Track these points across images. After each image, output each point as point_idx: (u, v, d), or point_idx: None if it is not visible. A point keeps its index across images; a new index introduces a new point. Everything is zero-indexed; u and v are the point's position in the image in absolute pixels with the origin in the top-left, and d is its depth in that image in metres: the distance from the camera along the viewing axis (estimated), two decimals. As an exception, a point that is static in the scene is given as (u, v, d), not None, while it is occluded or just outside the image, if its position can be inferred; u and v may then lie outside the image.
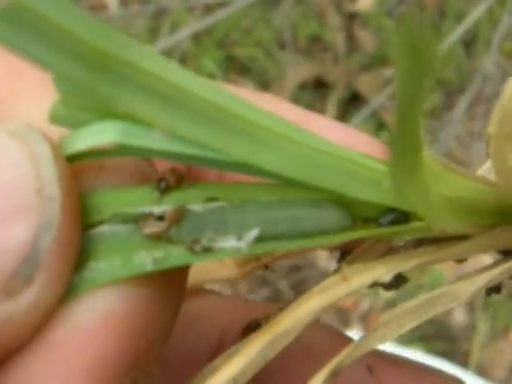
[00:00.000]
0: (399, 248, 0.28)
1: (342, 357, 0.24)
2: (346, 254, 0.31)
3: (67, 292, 0.22)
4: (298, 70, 1.73)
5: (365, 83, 1.77)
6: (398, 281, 0.28)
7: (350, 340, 0.34)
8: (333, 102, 1.71)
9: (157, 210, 0.23)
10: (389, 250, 0.29)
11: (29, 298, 0.21)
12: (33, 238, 0.21)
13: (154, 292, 0.23)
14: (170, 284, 0.24)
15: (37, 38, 0.20)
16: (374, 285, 0.26)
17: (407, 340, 1.26)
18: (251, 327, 0.31)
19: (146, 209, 0.23)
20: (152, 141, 0.23)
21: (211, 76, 1.60)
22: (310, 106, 1.72)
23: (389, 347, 1.05)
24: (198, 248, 0.23)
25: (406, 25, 0.16)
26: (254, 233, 0.23)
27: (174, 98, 0.21)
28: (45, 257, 0.21)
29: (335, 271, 0.26)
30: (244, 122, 0.22)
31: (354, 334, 1.18)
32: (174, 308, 0.24)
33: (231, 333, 0.34)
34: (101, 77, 0.21)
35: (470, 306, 1.38)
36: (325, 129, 0.28)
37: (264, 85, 1.73)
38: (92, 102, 0.23)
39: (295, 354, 0.33)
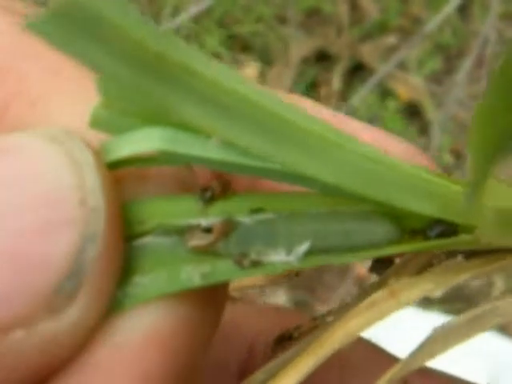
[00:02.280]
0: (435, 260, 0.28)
1: (390, 375, 0.23)
2: (379, 262, 0.31)
3: (110, 308, 0.21)
4: (301, 45, 1.71)
5: (367, 52, 1.76)
6: None
7: (384, 352, 0.33)
8: (337, 73, 1.70)
9: (204, 221, 0.22)
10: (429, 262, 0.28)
11: (72, 316, 0.20)
12: (77, 251, 0.20)
13: (198, 308, 0.22)
14: (213, 300, 0.23)
15: (89, 39, 0.19)
16: None
17: (427, 302, 1.26)
18: (283, 338, 0.30)
19: (194, 220, 0.22)
20: (199, 148, 0.22)
21: (216, 55, 1.59)
22: (314, 80, 1.71)
23: (410, 310, 1.05)
24: (246, 262, 0.22)
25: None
26: (305, 246, 0.22)
27: (230, 106, 0.20)
28: (89, 271, 0.20)
29: (378, 284, 0.25)
30: (299, 131, 0.21)
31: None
32: (215, 324, 0.24)
33: (261, 342, 0.34)
34: (156, 81, 0.19)
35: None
36: (356, 131, 0.27)
37: (268, 61, 1.72)
38: (137, 106, 0.22)
39: (331, 365, 0.33)
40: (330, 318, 0.30)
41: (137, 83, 0.19)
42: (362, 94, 1.61)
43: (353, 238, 0.23)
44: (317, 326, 0.30)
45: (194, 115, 0.20)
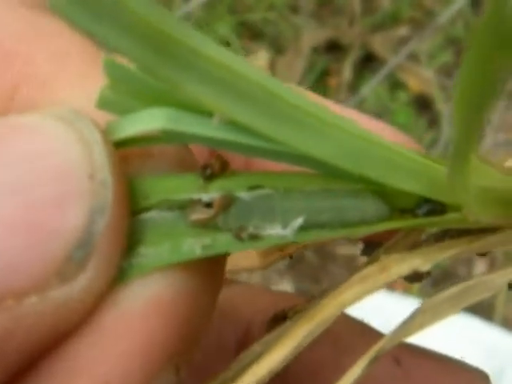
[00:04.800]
0: (423, 241, 0.29)
1: (381, 344, 0.25)
2: (370, 245, 0.32)
3: (117, 277, 0.22)
4: (313, 34, 1.72)
5: (378, 43, 1.76)
6: (421, 275, 0.28)
7: (375, 331, 0.35)
8: (348, 64, 1.70)
9: (205, 196, 0.23)
10: (418, 242, 0.29)
11: (82, 283, 0.21)
12: (86, 222, 0.21)
13: (199, 279, 0.23)
14: (212, 271, 0.24)
15: (107, 19, 0.20)
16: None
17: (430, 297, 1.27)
18: (278, 318, 0.31)
19: (195, 195, 0.23)
20: (201, 128, 0.23)
21: (226, 42, 1.59)
22: (325, 69, 1.71)
23: (412, 302, 1.05)
24: (244, 235, 0.23)
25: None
26: (299, 221, 0.24)
27: (234, 85, 0.22)
28: (98, 242, 0.21)
29: (370, 261, 0.27)
30: (297, 111, 0.23)
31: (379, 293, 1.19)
32: (215, 295, 0.25)
33: (257, 322, 0.35)
34: (165, 60, 0.21)
35: (492, 259, 1.39)
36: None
37: (279, 50, 1.72)
38: (142, 88, 0.23)
39: (323, 343, 0.34)
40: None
41: (148, 62, 0.21)
42: (373, 85, 1.62)
43: (345, 214, 0.24)
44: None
45: (199, 93, 0.21)
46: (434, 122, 1.67)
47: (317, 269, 1.47)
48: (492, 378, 0.34)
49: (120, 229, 0.22)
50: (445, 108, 1.66)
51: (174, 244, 0.23)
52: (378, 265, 0.25)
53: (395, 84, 1.70)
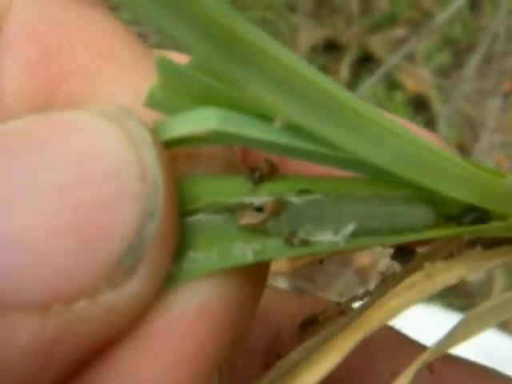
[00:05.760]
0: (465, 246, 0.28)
1: (426, 355, 0.24)
2: (401, 251, 0.31)
3: (166, 282, 0.22)
4: (310, 33, 1.71)
5: (376, 43, 1.76)
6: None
7: (407, 338, 0.34)
8: (345, 63, 1.70)
9: (257, 200, 0.23)
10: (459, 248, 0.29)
11: (132, 288, 0.21)
12: (138, 225, 0.20)
13: (246, 284, 0.23)
14: (258, 276, 0.24)
15: (174, 13, 0.19)
16: None
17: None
18: (308, 323, 0.31)
19: (247, 199, 0.23)
20: (255, 130, 0.22)
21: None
22: (322, 69, 1.71)
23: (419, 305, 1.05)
24: (295, 241, 0.23)
25: None
26: (351, 227, 0.23)
27: (296, 87, 0.21)
28: (149, 245, 0.21)
29: (412, 268, 0.26)
30: (357, 115, 0.22)
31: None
32: (259, 300, 0.24)
33: (286, 327, 0.35)
34: (229, 57, 0.20)
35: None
36: None
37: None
38: (194, 87, 0.23)
39: (355, 350, 0.33)
40: (353, 304, 0.31)
41: (211, 58, 0.20)
42: (370, 85, 1.62)
43: (395, 220, 0.24)
44: (342, 311, 0.31)
45: (261, 92, 0.21)
46: (430, 122, 1.67)
47: (313, 267, 1.47)
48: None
49: (170, 232, 0.21)
50: (441, 109, 1.66)
51: (224, 249, 0.22)
52: (423, 273, 0.25)
53: (392, 84, 1.70)
